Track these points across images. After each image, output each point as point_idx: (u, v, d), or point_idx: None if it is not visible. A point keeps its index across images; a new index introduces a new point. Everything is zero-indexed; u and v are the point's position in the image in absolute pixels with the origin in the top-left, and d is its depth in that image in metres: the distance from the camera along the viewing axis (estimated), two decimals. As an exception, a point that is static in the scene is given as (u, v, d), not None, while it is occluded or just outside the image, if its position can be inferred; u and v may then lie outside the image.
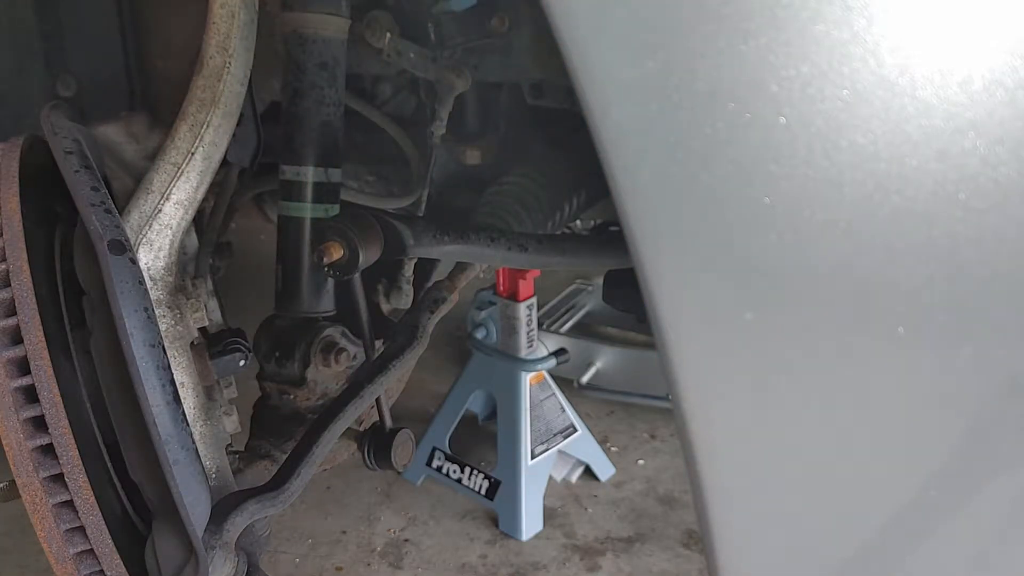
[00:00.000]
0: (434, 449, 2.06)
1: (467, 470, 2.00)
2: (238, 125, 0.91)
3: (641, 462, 2.16)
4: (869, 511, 0.56)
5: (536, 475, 1.93)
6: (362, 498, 2.04)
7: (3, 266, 0.72)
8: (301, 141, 0.94)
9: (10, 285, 0.72)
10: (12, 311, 0.72)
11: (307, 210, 0.96)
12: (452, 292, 1.14)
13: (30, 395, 0.75)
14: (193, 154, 0.87)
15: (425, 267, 1.23)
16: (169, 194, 0.86)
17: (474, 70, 1.01)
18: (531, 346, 1.95)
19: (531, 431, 1.91)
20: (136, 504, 0.82)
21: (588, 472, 2.10)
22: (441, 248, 0.91)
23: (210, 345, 0.89)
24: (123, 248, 0.73)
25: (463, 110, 1.16)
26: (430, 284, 1.17)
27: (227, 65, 0.85)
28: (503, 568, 1.81)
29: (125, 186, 0.92)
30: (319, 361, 1.07)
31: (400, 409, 1.28)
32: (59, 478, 0.76)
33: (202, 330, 0.90)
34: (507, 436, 1.92)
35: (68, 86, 1.04)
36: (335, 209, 0.98)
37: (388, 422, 1.07)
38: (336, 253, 0.85)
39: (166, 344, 0.81)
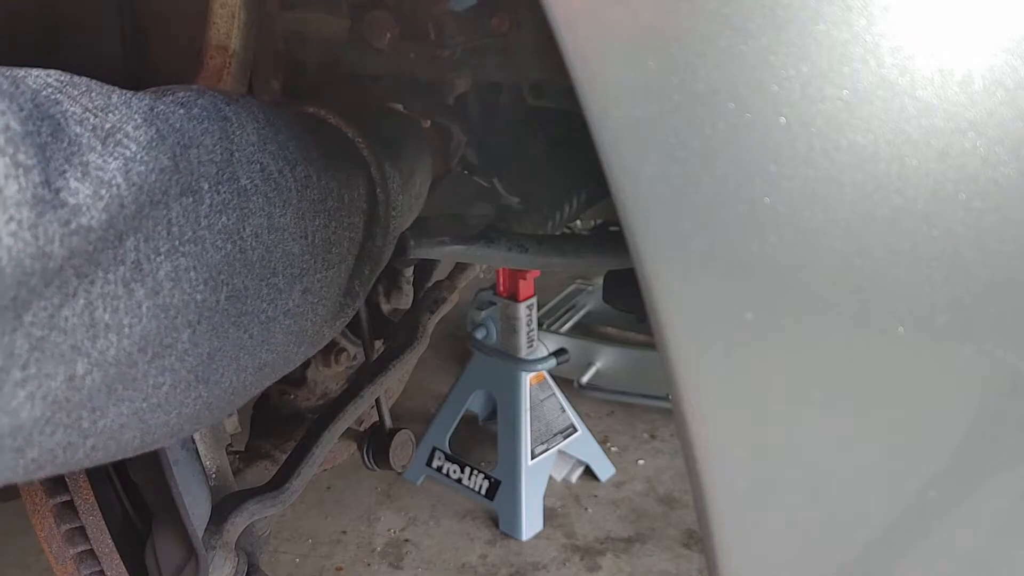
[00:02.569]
0: (434, 449, 2.06)
1: (467, 470, 2.00)
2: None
3: (641, 462, 2.16)
4: (870, 511, 0.56)
5: (536, 475, 1.93)
6: (362, 498, 2.04)
7: (3, 266, 0.72)
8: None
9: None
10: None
11: (307, 210, 0.96)
12: (452, 292, 1.14)
13: (30, 395, 0.75)
14: (193, 154, 0.87)
15: (425, 267, 1.23)
16: (169, 194, 0.86)
17: (474, 70, 1.01)
18: (531, 346, 1.95)
19: (531, 431, 1.91)
20: (136, 504, 0.82)
21: (588, 472, 2.10)
22: (441, 249, 0.91)
23: (210, 345, 0.89)
24: (123, 248, 0.73)
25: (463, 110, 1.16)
26: (430, 284, 1.17)
27: (227, 65, 0.85)
28: (503, 568, 1.81)
29: (125, 186, 0.92)
30: (319, 361, 1.07)
31: (400, 409, 1.28)
32: (59, 478, 0.76)
33: (202, 330, 0.90)
34: (507, 436, 1.92)
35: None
36: (335, 209, 0.98)
37: (388, 422, 1.07)
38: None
39: (166, 344, 0.80)
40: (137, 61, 1.01)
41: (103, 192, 0.39)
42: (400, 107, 1.02)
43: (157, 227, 0.43)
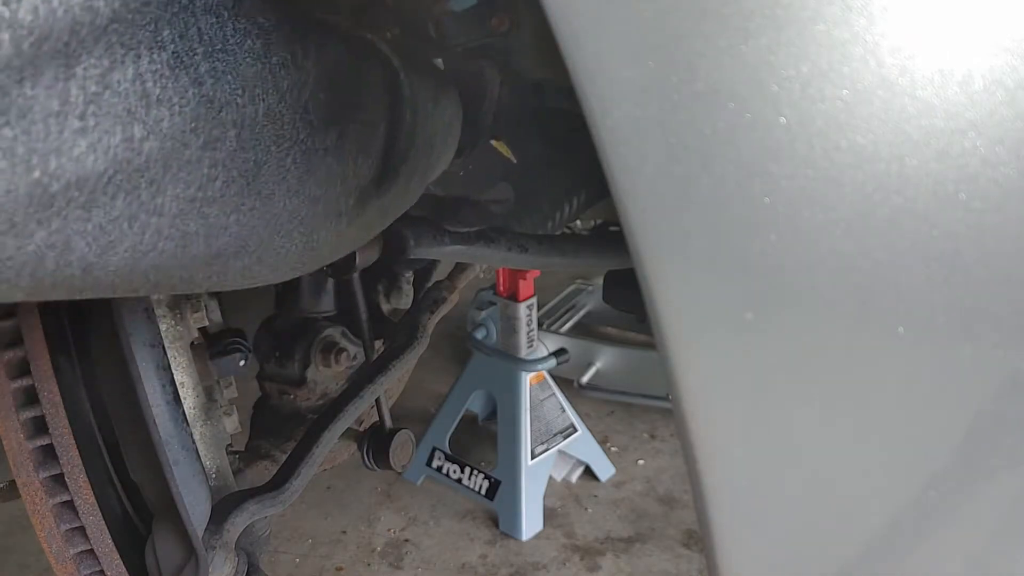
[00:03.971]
0: (434, 449, 2.06)
1: (467, 470, 2.00)
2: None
3: (641, 462, 2.17)
4: (870, 511, 0.56)
5: (536, 475, 1.93)
6: (362, 498, 2.04)
7: (3, 266, 0.72)
8: None
9: (10, 285, 0.72)
10: (12, 312, 0.72)
11: (307, 210, 0.96)
12: (452, 292, 1.14)
13: (30, 395, 0.75)
14: (193, 154, 0.86)
15: (425, 267, 1.23)
16: (169, 194, 0.86)
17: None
18: (531, 346, 1.95)
19: (531, 431, 1.92)
20: (136, 504, 0.82)
21: (588, 472, 2.10)
22: (441, 249, 0.91)
23: (210, 345, 0.89)
24: (123, 248, 0.73)
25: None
26: (430, 284, 1.17)
27: (227, 65, 0.85)
28: (503, 568, 1.81)
29: (125, 186, 0.92)
30: (319, 361, 1.07)
31: (400, 409, 1.28)
32: (59, 478, 0.76)
33: (202, 330, 0.90)
34: (507, 436, 1.93)
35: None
36: (335, 209, 0.98)
37: (388, 422, 1.07)
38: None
39: (166, 344, 0.81)
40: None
41: None
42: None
43: (189, 30, 0.48)
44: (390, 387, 1.12)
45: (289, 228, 0.58)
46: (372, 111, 0.67)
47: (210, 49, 0.49)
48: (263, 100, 0.53)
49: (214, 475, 0.88)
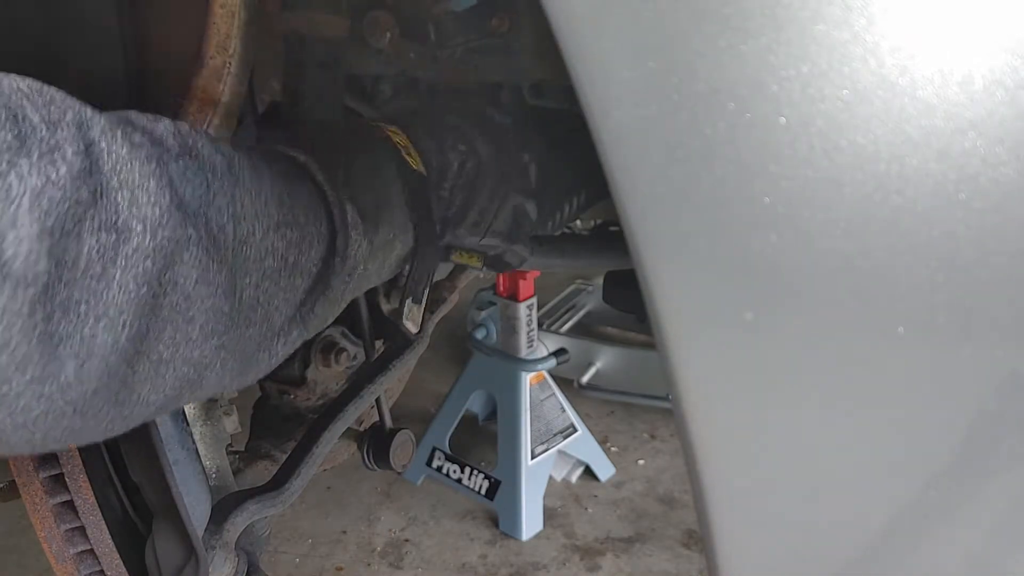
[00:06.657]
0: (434, 449, 2.06)
1: (467, 470, 2.00)
2: (238, 126, 0.91)
3: (641, 462, 2.16)
4: (870, 511, 0.56)
5: (536, 475, 1.93)
6: (362, 498, 2.04)
7: (3, 266, 0.72)
8: (300, 141, 0.94)
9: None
10: (12, 311, 0.72)
11: (307, 210, 0.96)
12: (452, 292, 1.14)
13: (30, 395, 0.75)
14: (193, 154, 0.86)
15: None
16: (169, 194, 0.86)
17: (474, 70, 1.01)
18: (531, 346, 1.95)
19: (531, 431, 1.91)
20: (136, 504, 0.82)
21: (588, 472, 2.10)
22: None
23: (210, 345, 0.89)
24: (123, 248, 0.73)
25: (463, 110, 1.16)
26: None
27: (227, 65, 0.85)
28: (503, 568, 1.81)
29: (125, 186, 0.92)
30: (319, 361, 1.07)
31: (400, 409, 1.28)
32: (59, 478, 0.76)
33: (202, 330, 0.90)
34: (507, 436, 1.93)
35: (67, 85, 1.04)
36: (335, 209, 0.98)
37: (388, 422, 1.07)
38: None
39: (166, 344, 0.81)
40: (137, 60, 1.01)
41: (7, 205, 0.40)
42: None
43: (66, 255, 0.43)
44: (390, 387, 1.12)
45: (103, 433, 0.53)
46: (276, 300, 0.62)
47: (77, 276, 0.44)
48: (130, 326, 0.48)
49: (214, 475, 0.88)
